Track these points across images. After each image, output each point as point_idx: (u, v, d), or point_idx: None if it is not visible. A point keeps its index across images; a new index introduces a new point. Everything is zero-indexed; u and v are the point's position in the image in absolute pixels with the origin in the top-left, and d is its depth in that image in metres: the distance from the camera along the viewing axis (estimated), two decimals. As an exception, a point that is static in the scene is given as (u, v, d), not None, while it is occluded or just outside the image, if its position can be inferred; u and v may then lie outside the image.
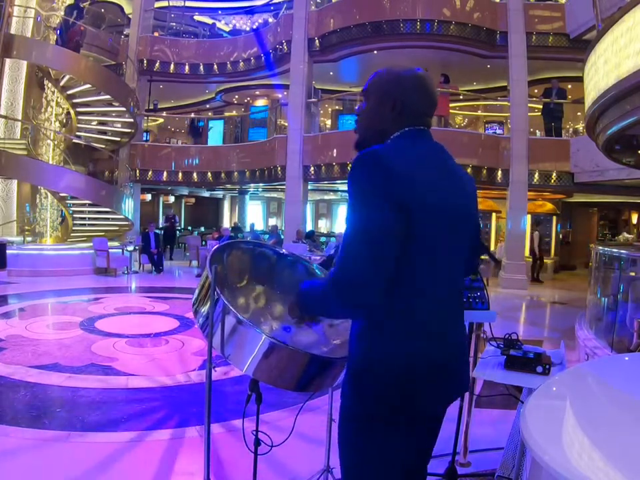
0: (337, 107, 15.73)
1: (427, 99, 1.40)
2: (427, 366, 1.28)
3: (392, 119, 1.39)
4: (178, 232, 20.38)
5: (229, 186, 16.78)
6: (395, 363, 1.26)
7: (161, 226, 13.20)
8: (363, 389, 1.28)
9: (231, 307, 1.48)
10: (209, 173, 14.31)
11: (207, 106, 18.32)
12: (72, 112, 11.69)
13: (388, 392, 1.26)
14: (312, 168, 12.11)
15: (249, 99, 17.23)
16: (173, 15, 16.42)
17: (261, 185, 15.84)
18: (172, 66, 14.36)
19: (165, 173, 14.49)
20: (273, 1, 17.64)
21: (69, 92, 11.53)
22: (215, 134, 15.83)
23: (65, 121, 11.74)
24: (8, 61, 11.62)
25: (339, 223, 21.80)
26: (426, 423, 1.37)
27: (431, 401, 1.32)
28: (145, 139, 15.85)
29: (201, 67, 14.38)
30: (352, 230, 1.24)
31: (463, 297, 1.49)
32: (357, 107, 1.48)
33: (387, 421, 1.28)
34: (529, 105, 11.42)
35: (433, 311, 1.32)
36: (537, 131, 13.13)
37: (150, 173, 14.45)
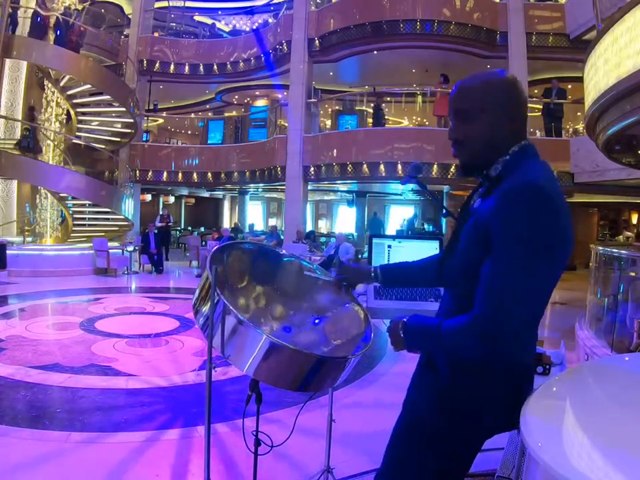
0: (337, 107, 15.71)
1: (526, 105, 1.31)
2: (515, 400, 1.26)
3: (511, 133, 1.26)
4: (178, 232, 20.36)
5: (229, 186, 16.78)
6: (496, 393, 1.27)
7: (157, 225, 13.19)
8: (453, 410, 1.29)
9: (231, 307, 1.48)
10: (209, 173, 14.32)
11: (207, 106, 18.32)
12: (72, 112, 11.70)
13: (479, 417, 1.28)
14: (312, 168, 12.08)
15: (248, 99, 17.24)
16: (173, 15, 16.43)
17: (260, 185, 15.83)
18: (172, 66, 14.36)
19: (164, 173, 14.50)
20: (273, 1, 17.64)
21: (69, 92, 11.54)
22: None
23: (64, 121, 11.74)
24: (8, 61, 11.60)
25: (338, 223, 21.79)
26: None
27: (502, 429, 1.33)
28: (144, 139, 15.84)
29: (201, 67, 14.38)
30: (512, 278, 1.12)
31: None
32: (449, 132, 1.32)
33: (462, 441, 1.30)
34: (529, 105, 11.38)
35: (533, 347, 1.36)
36: (537, 130, 13.12)
37: (150, 173, 14.46)
